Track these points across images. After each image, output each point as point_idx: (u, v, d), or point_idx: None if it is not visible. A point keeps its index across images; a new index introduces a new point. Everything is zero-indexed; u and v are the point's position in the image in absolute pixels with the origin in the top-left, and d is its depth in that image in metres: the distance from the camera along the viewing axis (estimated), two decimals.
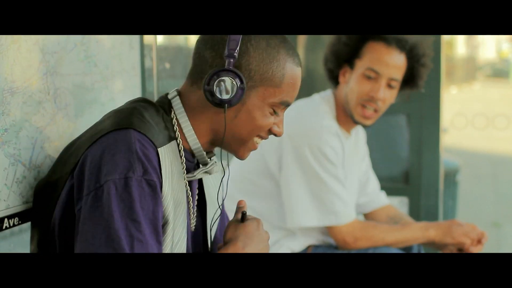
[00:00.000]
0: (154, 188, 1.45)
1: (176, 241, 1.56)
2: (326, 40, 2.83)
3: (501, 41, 42.76)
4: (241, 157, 1.67)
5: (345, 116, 2.60)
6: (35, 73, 1.68)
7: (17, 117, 1.61)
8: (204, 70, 1.58)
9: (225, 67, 1.53)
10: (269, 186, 2.60)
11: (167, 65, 2.82)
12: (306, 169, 2.49)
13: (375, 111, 2.52)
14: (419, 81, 2.60)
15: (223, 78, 1.52)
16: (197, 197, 1.75)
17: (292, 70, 1.61)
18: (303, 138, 2.50)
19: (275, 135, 1.65)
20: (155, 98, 2.25)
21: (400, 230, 2.58)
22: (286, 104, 1.63)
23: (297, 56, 1.64)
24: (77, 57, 1.86)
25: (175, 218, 1.55)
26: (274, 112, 1.62)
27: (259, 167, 2.61)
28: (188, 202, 1.64)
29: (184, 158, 1.61)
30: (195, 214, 1.72)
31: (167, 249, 1.53)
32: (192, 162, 1.67)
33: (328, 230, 2.57)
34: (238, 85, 1.53)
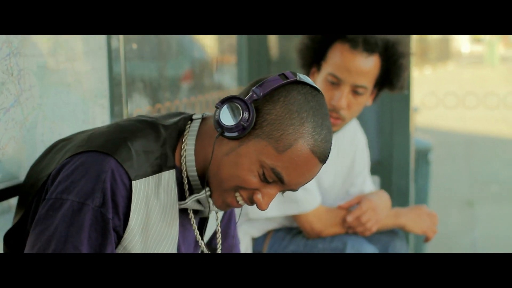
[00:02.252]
0: (107, 224, 1.42)
1: None
2: None
3: None
4: (215, 203, 1.56)
5: None
6: None
7: None
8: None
9: (246, 98, 1.47)
10: None
11: (134, 46, 2.81)
12: None
13: (339, 119, 2.36)
14: (398, 83, 2.41)
15: (234, 103, 1.46)
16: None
17: (303, 149, 1.46)
18: None
19: (257, 204, 1.52)
20: (122, 79, 2.23)
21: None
22: (279, 177, 1.48)
23: (322, 147, 1.49)
24: (42, 38, 1.84)
25: (154, 249, 1.53)
26: (264, 177, 1.48)
27: None
28: (183, 233, 1.61)
29: (187, 185, 1.57)
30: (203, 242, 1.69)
31: None
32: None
33: (293, 218, 2.50)
34: (243, 119, 1.45)
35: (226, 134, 1.47)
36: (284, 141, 1.45)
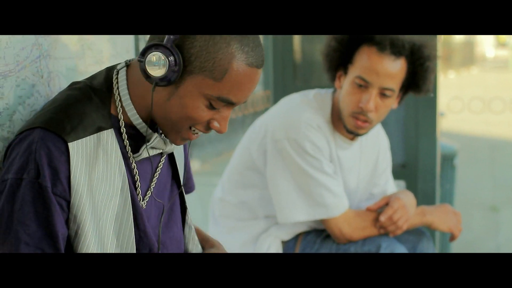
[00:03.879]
0: (47, 193, 1.41)
1: (116, 229, 1.53)
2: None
3: None
4: (173, 142, 1.59)
5: (340, 122, 2.46)
6: (28, 56, 1.67)
7: (11, 100, 1.60)
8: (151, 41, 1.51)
9: (164, 42, 1.44)
10: (255, 177, 2.55)
11: None
12: (289, 164, 2.41)
13: (367, 122, 2.37)
14: (424, 86, 2.41)
15: (156, 53, 1.44)
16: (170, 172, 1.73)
17: (239, 69, 1.46)
18: (283, 132, 2.42)
19: (216, 131, 1.54)
20: None
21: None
22: (227, 102, 1.49)
23: (255, 55, 1.48)
24: (71, 41, 1.85)
25: (104, 209, 1.51)
26: (211, 106, 1.49)
27: (245, 160, 2.56)
28: (131, 184, 1.57)
29: (127, 141, 1.56)
30: (150, 191, 1.63)
31: (91, 241, 1.48)
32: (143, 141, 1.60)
33: (322, 223, 2.49)
34: (171, 65, 1.44)
35: (160, 84, 1.47)
36: (218, 68, 1.45)
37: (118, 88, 1.56)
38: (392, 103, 2.41)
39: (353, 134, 2.46)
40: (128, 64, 1.59)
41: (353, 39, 2.36)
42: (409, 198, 2.54)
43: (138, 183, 1.59)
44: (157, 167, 1.66)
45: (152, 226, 1.63)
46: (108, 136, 1.52)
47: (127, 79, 1.56)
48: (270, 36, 3.86)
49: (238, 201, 2.58)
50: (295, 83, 3.77)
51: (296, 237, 2.56)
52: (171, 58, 1.43)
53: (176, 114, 1.50)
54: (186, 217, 1.80)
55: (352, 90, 2.36)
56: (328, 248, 2.48)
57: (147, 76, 1.46)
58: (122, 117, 1.55)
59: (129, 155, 1.56)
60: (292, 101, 2.56)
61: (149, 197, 1.62)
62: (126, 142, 1.56)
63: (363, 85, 2.33)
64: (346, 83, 2.39)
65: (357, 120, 2.37)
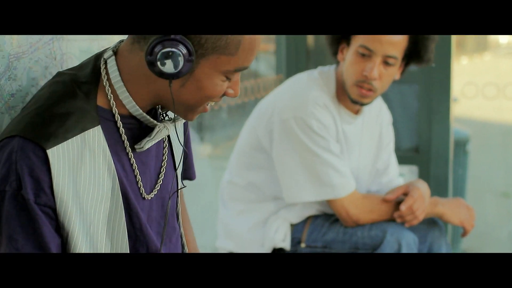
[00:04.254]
0: (29, 206, 1.32)
1: (109, 233, 1.45)
2: None
3: None
4: (188, 120, 1.53)
5: (345, 95, 2.48)
6: (42, 38, 1.66)
7: (24, 82, 1.60)
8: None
9: (167, 37, 1.35)
10: (261, 158, 2.55)
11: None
12: (295, 143, 2.42)
13: (371, 90, 2.39)
14: (425, 55, 2.44)
15: (168, 49, 1.34)
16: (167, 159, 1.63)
17: (250, 38, 1.40)
18: (289, 111, 2.43)
19: (232, 97, 1.51)
20: None
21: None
22: (242, 69, 1.45)
23: None
24: None
25: (95, 213, 1.42)
26: (227, 79, 1.44)
27: (251, 141, 2.57)
28: (129, 181, 1.49)
29: (125, 136, 1.47)
30: (160, 183, 1.58)
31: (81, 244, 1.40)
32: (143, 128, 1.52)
33: (329, 205, 2.50)
34: (185, 57, 1.35)
35: (176, 78, 1.39)
36: (232, 43, 1.39)
37: (108, 79, 1.45)
38: (395, 72, 2.43)
39: (357, 104, 2.47)
40: (115, 51, 1.48)
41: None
42: (425, 188, 2.55)
43: (138, 177, 1.51)
44: (163, 154, 1.60)
45: (157, 218, 1.58)
46: (95, 135, 1.42)
47: (118, 68, 1.45)
48: None
49: (246, 182, 2.58)
50: (308, 67, 3.75)
51: (305, 220, 2.56)
52: (183, 49, 1.35)
53: (194, 98, 1.44)
54: (178, 216, 1.73)
55: (355, 59, 2.39)
56: (335, 232, 2.48)
57: (161, 73, 1.37)
58: (117, 110, 1.46)
59: (127, 150, 1.48)
60: (299, 80, 2.57)
61: (157, 189, 1.57)
62: (124, 136, 1.47)
63: (366, 54, 2.36)
64: (349, 54, 2.42)
65: (362, 88, 2.39)
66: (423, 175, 3.57)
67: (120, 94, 1.45)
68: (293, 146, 2.43)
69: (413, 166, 3.58)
